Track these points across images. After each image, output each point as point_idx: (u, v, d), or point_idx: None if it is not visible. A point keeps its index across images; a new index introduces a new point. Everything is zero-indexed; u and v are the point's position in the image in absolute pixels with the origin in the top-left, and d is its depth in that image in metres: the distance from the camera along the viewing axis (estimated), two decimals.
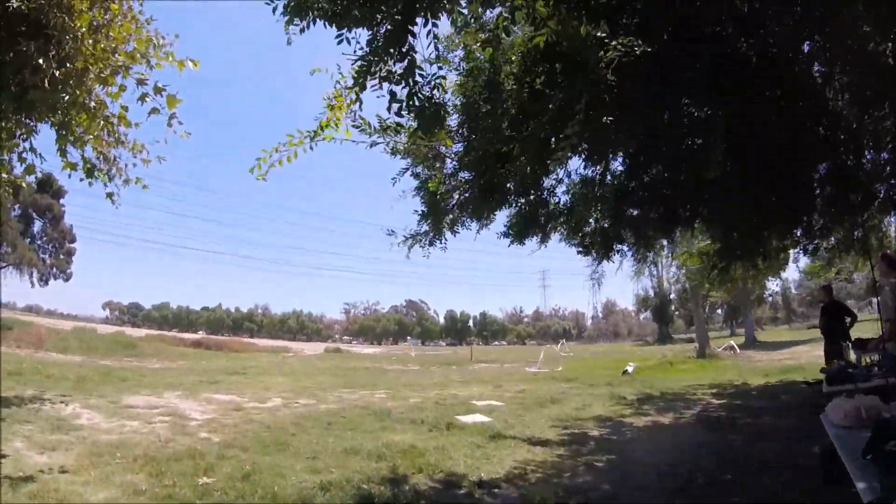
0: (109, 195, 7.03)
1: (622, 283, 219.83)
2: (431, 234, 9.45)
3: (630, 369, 24.19)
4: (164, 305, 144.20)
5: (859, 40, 5.72)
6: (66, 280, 41.63)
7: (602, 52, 5.18)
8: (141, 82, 5.14)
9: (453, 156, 8.38)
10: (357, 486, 6.13)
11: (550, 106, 6.05)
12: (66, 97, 5.16)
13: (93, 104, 5.79)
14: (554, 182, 9.58)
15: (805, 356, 25.94)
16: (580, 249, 11.77)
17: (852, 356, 8.51)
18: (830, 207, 10.06)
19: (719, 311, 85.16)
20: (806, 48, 6.60)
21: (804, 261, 19.73)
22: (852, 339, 11.73)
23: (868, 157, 8.81)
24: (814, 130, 6.52)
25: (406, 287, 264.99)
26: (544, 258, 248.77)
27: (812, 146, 6.44)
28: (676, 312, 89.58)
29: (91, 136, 6.13)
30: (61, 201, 41.84)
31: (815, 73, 7.06)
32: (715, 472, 6.77)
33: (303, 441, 8.71)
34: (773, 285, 60.33)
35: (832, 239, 13.33)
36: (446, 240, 9.37)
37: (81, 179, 6.77)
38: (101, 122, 5.99)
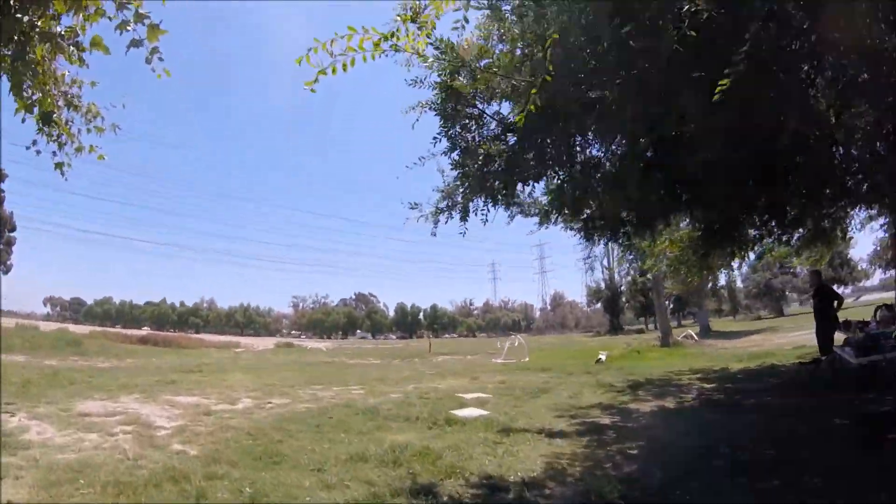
0: (59, 165, 6.01)
1: (570, 275, 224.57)
2: (460, 207, 8.30)
3: (603, 357, 24.16)
4: (107, 300, 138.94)
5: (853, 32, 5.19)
6: (6, 272, 38.58)
7: None
8: (122, 6, 3.97)
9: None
10: None
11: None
12: (26, 20, 4.18)
13: (61, 31, 4.72)
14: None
15: (767, 343, 27.29)
16: (582, 232, 11.38)
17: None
18: (803, 199, 10.24)
19: (667, 302, 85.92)
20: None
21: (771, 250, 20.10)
22: (840, 320, 13.45)
23: (840, 152, 8.70)
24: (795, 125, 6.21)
25: (355, 279, 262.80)
26: (494, 251, 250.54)
27: (791, 139, 6.22)
28: (627, 304, 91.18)
29: (49, 80, 5.17)
30: (1, 185, 38.58)
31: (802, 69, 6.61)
32: (757, 450, 6.75)
33: (296, 449, 7.62)
34: (721, 278, 62.76)
35: (801, 230, 13.52)
36: (487, 210, 8.23)
37: (29, 147, 5.84)
38: (61, 54, 4.91)
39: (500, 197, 8.15)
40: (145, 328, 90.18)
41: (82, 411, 10.69)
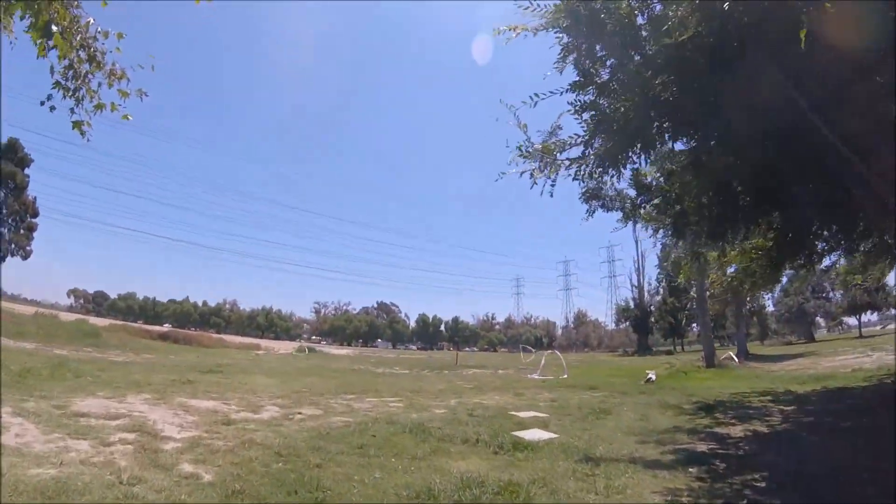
0: (77, 124, 5.60)
1: (594, 293, 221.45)
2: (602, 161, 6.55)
3: (653, 377, 22.61)
4: (130, 295, 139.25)
5: None
6: (25, 258, 37.48)
7: None
8: None
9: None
10: None
11: None
12: None
13: None
14: None
15: (818, 367, 25.88)
16: (672, 229, 11.15)
17: None
18: (869, 212, 10.14)
19: (694, 325, 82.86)
20: None
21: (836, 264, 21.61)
22: None
23: None
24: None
25: (377, 288, 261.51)
26: (517, 266, 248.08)
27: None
28: (656, 325, 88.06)
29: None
30: (26, 171, 37.61)
31: None
32: None
33: (340, 478, 5.88)
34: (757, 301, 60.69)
35: (867, 243, 13.55)
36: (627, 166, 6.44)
37: (43, 103, 5.39)
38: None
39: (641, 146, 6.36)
40: (167, 325, 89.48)
41: (80, 410, 9.06)
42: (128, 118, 5.81)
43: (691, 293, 71.68)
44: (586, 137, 6.33)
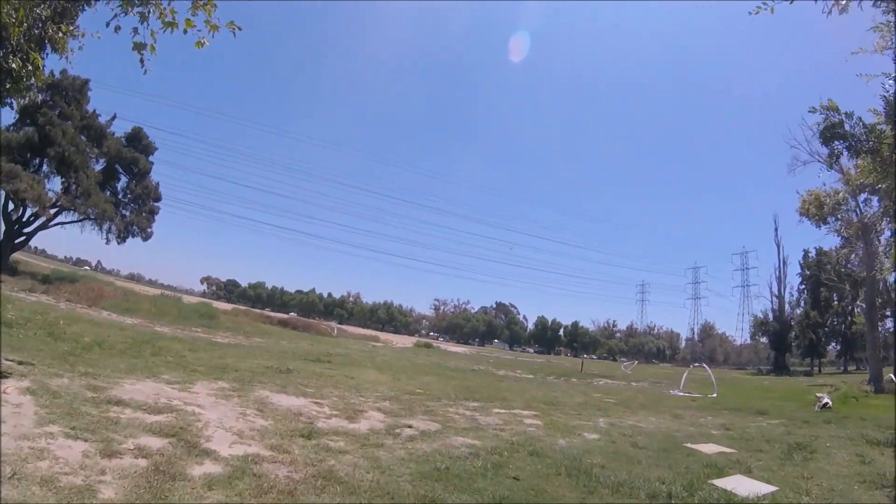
0: (138, 46, 5.02)
1: (724, 304, 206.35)
2: None
3: (829, 402, 18.57)
4: (260, 284, 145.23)
5: None
6: (146, 239, 38.22)
7: None
8: None
9: None
10: None
11: None
12: None
13: None
14: None
15: None
16: None
17: None
18: None
19: (834, 344, 74.50)
20: None
21: None
22: None
23: None
24: None
25: (497, 287, 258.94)
26: (643, 270, 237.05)
27: None
28: (795, 341, 77.82)
29: None
30: (149, 158, 38.81)
31: None
32: None
33: None
34: None
35: None
36: None
37: (108, 24, 5.05)
38: None
39: None
40: (292, 313, 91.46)
41: (119, 396, 6.86)
42: (202, 45, 5.02)
43: (842, 302, 63.65)
44: None
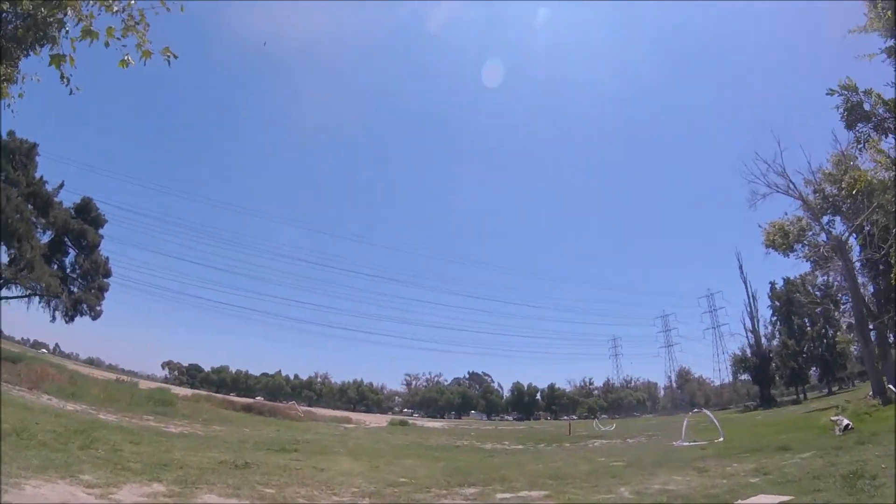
0: (57, 59, 5.19)
1: (694, 348, 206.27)
2: None
3: (850, 424, 17.05)
4: (223, 368, 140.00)
5: None
6: (95, 318, 35.77)
7: None
8: None
9: None
10: None
11: None
12: None
13: None
14: None
15: None
16: None
17: None
18: None
19: (814, 369, 74.62)
20: None
21: None
22: None
23: None
24: None
25: (468, 357, 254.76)
26: (612, 324, 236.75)
27: None
28: (778, 372, 77.50)
29: None
30: (100, 231, 36.57)
31: None
32: None
33: None
34: None
35: None
36: None
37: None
38: None
39: None
40: (258, 398, 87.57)
41: None
42: (126, 65, 4.99)
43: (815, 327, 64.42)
44: None
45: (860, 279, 30.08)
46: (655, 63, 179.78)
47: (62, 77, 5.24)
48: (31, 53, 7.01)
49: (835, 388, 69.93)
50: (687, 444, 21.78)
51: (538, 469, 13.81)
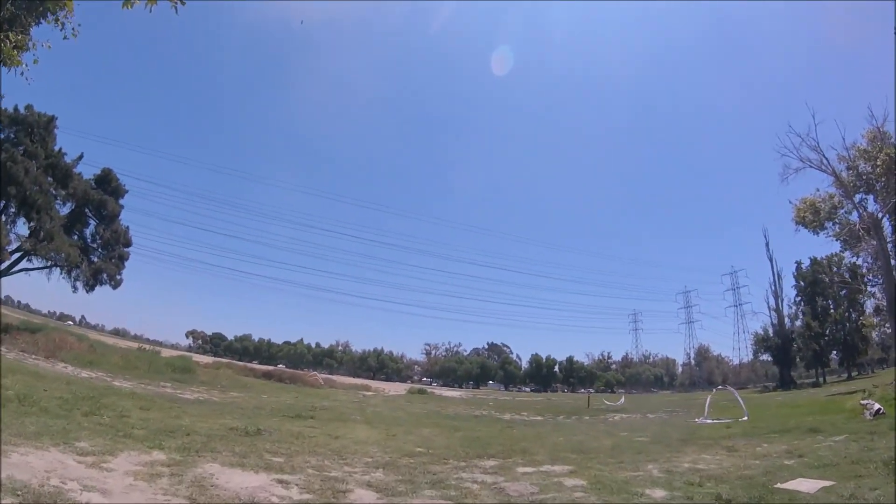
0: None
1: (716, 326, 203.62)
2: None
3: (881, 409, 16.38)
4: (246, 337, 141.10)
5: None
6: (115, 287, 35.46)
7: None
8: None
9: None
10: None
11: None
12: None
13: None
14: None
15: None
16: None
17: None
18: None
19: (835, 352, 72.92)
20: None
21: None
22: None
23: None
24: None
25: (488, 328, 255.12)
26: (634, 298, 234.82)
27: None
28: (799, 354, 75.75)
29: None
30: (120, 201, 36.34)
31: None
32: None
33: None
34: None
35: None
36: None
37: None
38: None
39: None
40: (280, 365, 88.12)
41: None
42: (132, 4, 5.30)
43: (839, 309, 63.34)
44: None
45: (893, 261, 28.93)
46: (685, 31, 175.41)
47: (57, 21, 5.40)
48: (43, 21, 6.96)
49: (854, 374, 68.72)
50: (711, 421, 21.31)
51: (559, 442, 13.27)
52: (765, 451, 11.11)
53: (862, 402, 18.82)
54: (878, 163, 27.66)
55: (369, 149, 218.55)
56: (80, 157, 34.43)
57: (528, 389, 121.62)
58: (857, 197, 29.69)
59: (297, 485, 6.16)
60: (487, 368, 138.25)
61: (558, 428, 18.62)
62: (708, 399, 25.79)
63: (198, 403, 15.95)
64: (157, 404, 13.50)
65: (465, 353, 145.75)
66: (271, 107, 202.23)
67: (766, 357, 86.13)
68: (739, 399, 24.25)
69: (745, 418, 20.69)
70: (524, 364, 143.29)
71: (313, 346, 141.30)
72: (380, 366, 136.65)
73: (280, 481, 6.25)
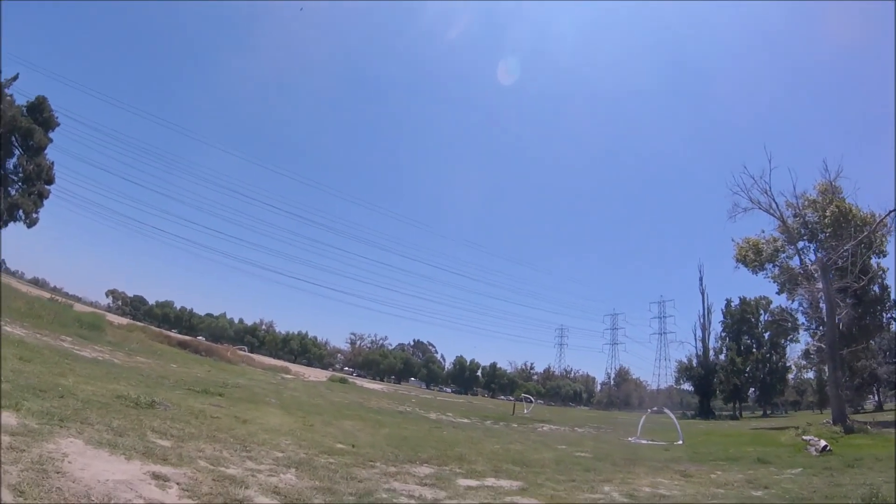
0: None
1: (639, 351, 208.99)
2: None
3: (828, 446, 16.72)
4: (168, 304, 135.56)
5: None
6: (30, 226, 32.44)
7: None
8: None
9: None
10: None
11: None
12: None
13: None
14: None
15: None
16: None
17: None
18: None
19: (752, 390, 77.49)
20: None
21: None
22: None
23: None
24: None
25: (415, 325, 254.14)
26: (562, 314, 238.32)
27: None
28: (720, 386, 78.81)
29: None
30: (50, 134, 33.20)
31: None
32: None
33: None
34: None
35: None
36: None
37: None
38: None
39: None
40: (200, 337, 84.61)
41: None
42: None
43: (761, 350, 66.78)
44: None
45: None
46: (647, 68, 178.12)
47: None
48: None
49: (769, 412, 74.18)
50: (646, 442, 21.10)
51: (496, 451, 12.05)
52: (722, 479, 10.50)
53: (805, 437, 19.20)
54: (828, 213, 29.00)
55: (330, 134, 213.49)
56: (15, 77, 31.45)
57: (449, 390, 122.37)
58: (801, 244, 31.17)
59: (178, 483, 4.57)
60: (411, 365, 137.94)
61: (490, 434, 17.52)
62: (642, 419, 25.45)
63: (93, 363, 14.06)
64: (42, 357, 11.69)
65: (391, 347, 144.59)
66: (238, 72, 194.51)
67: (687, 386, 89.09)
68: (676, 423, 24.29)
69: (681, 442, 20.60)
70: (448, 365, 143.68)
71: (236, 321, 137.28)
72: (302, 350, 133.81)
73: (156, 475, 4.65)
